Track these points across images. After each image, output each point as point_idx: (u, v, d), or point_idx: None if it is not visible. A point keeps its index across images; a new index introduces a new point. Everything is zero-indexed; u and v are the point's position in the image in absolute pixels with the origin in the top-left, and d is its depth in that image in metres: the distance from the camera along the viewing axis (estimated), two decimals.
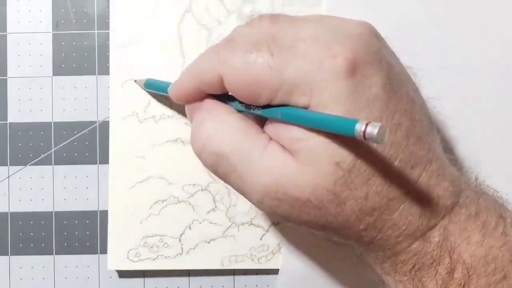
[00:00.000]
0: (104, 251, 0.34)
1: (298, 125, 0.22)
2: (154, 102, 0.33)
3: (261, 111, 0.24)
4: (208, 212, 0.33)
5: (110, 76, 0.33)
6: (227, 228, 0.33)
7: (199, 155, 0.25)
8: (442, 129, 0.32)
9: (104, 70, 0.34)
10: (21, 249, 0.34)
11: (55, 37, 0.34)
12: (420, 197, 0.22)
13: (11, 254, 0.34)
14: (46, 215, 0.34)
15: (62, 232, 0.34)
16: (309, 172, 0.22)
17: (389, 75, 0.23)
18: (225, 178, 0.25)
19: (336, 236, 0.24)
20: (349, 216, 0.22)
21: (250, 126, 0.24)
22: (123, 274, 0.34)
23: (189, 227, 0.33)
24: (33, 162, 0.34)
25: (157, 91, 0.31)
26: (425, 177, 0.23)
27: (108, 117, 0.33)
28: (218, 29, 0.33)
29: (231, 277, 0.34)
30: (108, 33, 0.33)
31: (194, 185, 0.33)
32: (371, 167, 0.22)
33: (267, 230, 0.33)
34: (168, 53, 0.33)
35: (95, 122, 0.34)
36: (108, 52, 0.33)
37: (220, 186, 0.33)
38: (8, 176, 0.34)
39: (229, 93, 0.25)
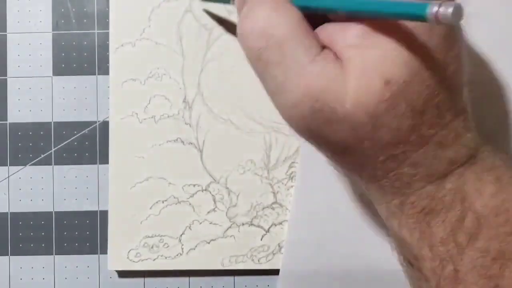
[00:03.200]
0: (104, 251, 0.34)
1: (361, 18, 0.21)
2: (154, 102, 0.33)
3: None
4: (208, 212, 0.33)
5: (110, 76, 0.33)
6: (227, 229, 0.33)
7: (246, 36, 0.23)
8: None
9: (104, 70, 0.34)
10: (21, 249, 0.34)
11: (55, 37, 0.34)
12: (446, 141, 0.22)
13: (11, 254, 0.34)
14: (46, 215, 0.34)
15: (62, 232, 0.34)
16: (355, 87, 0.21)
17: None
18: (265, 68, 0.22)
19: (351, 163, 0.23)
20: (376, 143, 0.22)
21: (307, 25, 0.23)
22: (123, 274, 0.34)
23: (189, 228, 0.33)
24: (33, 162, 0.34)
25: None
26: (455, 124, 0.22)
27: (108, 117, 0.33)
28: (218, 29, 0.33)
29: (231, 277, 0.34)
30: (108, 33, 0.33)
31: (194, 185, 0.33)
32: (415, 98, 0.21)
33: (268, 231, 0.33)
34: (168, 53, 0.33)
35: (95, 122, 0.34)
36: (108, 52, 0.33)
37: (220, 186, 0.33)
38: (8, 176, 0.34)
39: None
